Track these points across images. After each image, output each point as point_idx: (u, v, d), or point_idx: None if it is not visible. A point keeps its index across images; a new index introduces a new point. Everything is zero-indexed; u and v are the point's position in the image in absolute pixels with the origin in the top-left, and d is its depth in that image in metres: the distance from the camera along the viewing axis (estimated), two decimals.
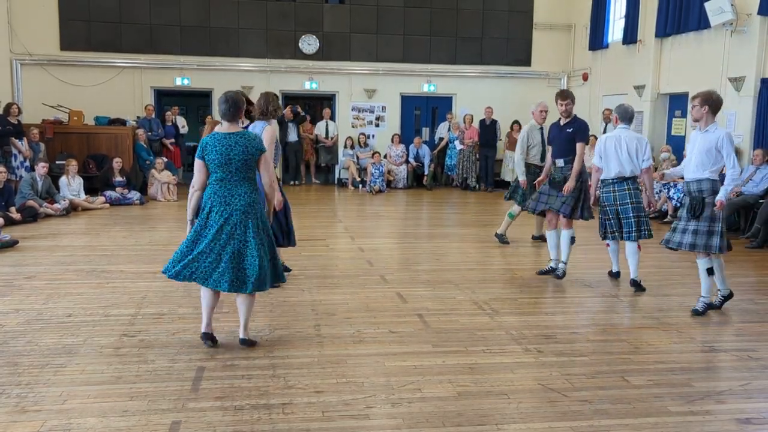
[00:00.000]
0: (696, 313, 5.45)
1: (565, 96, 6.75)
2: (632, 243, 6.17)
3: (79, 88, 14.03)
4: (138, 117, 13.88)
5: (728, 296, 5.62)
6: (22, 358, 4.25)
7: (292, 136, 15.00)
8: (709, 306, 5.52)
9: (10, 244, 7.68)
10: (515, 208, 8.24)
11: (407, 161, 15.16)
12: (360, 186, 14.59)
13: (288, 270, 6.56)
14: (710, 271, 5.47)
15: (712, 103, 5.34)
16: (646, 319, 5.35)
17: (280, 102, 15.11)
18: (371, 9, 15.25)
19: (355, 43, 15.33)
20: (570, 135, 6.65)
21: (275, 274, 4.46)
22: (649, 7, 12.47)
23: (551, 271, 6.73)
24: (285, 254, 7.37)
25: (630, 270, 6.22)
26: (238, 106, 4.38)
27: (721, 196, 5.29)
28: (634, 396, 3.83)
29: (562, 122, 6.77)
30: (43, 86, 13.86)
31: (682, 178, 5.95)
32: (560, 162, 6.73)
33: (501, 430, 3.39)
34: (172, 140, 14.19)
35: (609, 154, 6.19)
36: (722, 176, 5.49)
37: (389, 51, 15.45)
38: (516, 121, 14.90)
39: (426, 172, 15.26)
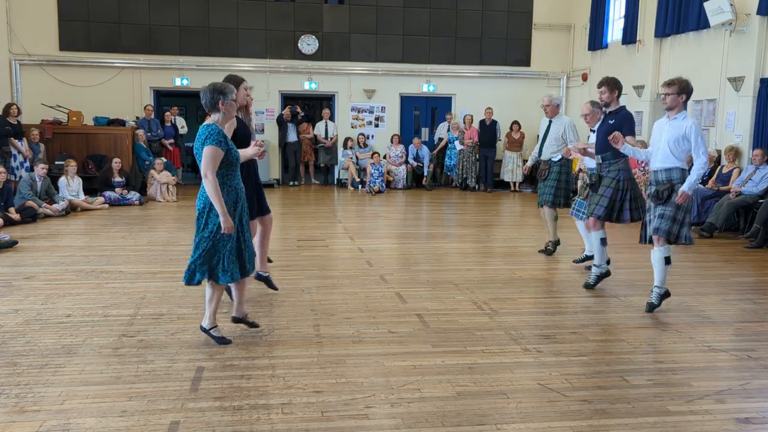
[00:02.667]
0: (651, 307, 5.43)
1: (600, 83, 6.14)
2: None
3: (78, 88, 14.04)
4: (137, 117, 13.89)
5: (665, 295, 5.51)
6: (21, 358, 4.24)
7: (292, 137, 15.02)
8: (665, 296, 5.48)
9: (10, 245, 7.68)
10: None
11: (407, 161, 15.17)
12: (359, 186, 14.59)
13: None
14: (668, 260, 5.38)
15: (689, 92, 5.29)
16: (645, 319, 5.34)
17: (280, 102, 15.20)
18: (370, 9, 15.26)
19: (355, 43, 15.33)
20: (611, 128, 5.87)
21: (198, 273, 4.42)
22: (648, 7, 12.48)
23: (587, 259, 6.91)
24: (281, 255, 7.36)
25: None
26: (209, 96, 4.33)
27: (685, 188, 5.18)
28: (633, 396, 3.82)
29: (608, 113, 6.14)
30: (43, 87, 13.86)
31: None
32: (598, 159, 6.15)
33: (500, 430, 3.38)
34: (172, 141, 14.19)
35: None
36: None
37: (388, 51, 15.45)
38: (516, 122, 14.93)
39: (426, 173, 15.26)
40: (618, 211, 6.03)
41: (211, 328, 4.58)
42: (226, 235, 4.36)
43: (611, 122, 5.99)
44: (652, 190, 5.40)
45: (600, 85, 6.11)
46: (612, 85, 6.04)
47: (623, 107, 6.12)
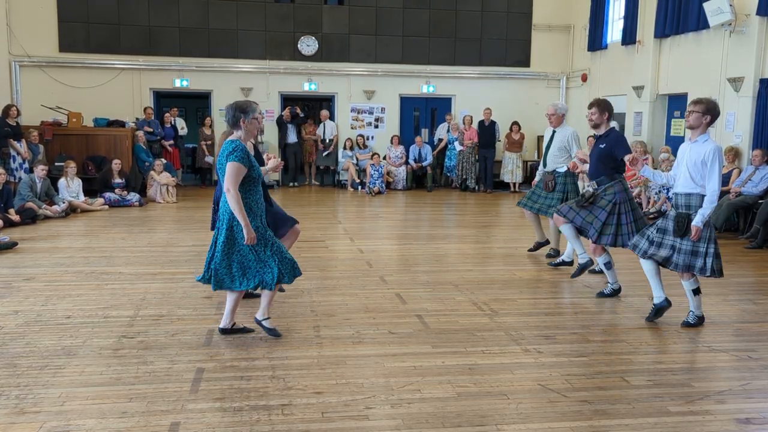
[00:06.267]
0: (686, 324, 5.20)
1: (590, 104, 6.04)
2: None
3: (78, 89, 14.03)
4: (137, 118, 13.89)
5: (702, 318, 5.26)
6: (21, 359, 4.24)
7: (291, 138, 15.02)
8: (702, 319, 5.25)
9: (9, 246, 7.68)
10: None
11: (406, 162, 15.16)
12: (359, 187, 14.58)
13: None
14: (696, 291, 5.15)
15: (715, 114, 5.03)
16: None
17: (279, 103, 15.21)
18: (370, 10, 15.26)
19: (354, 44, 15.33)
20: (602, 152, 5.90)
21: (232, 280, 4.54)
22: (648, 8, 12.48)
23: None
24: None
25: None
26: (231, 113, 4.51)
27: (697, 222, 4.90)
28: (633, 396, 3.83)
29: (597, 136, 6.06)
30: (42, 88, 13.85)
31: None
32: (593, 184, 6.04)
33: (501, 431, 3.38)
34: (171, 142, 14.18)
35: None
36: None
37: (388, 52, 15.45)
38: (515, 122, 14.93)
39: (428, 162, 15.18)
40: (615, 236, 5.89)
41: (264, 319, 4.72)
42: (251, 245, 4.46)
43: (602, 146, 5.93)
44: (672, 214, 5.16)
45: (590, 106, 6.03)
46: (602, 106, 5.95)
47: (612, 129, 6.03)
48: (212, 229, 5.75)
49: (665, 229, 5.15)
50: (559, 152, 7.20)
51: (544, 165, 7.44)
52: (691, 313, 5.26)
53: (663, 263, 5.15)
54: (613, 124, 6.26)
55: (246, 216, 4.37)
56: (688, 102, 5.17)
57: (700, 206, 4.96)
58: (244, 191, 4.41)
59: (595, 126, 6.01)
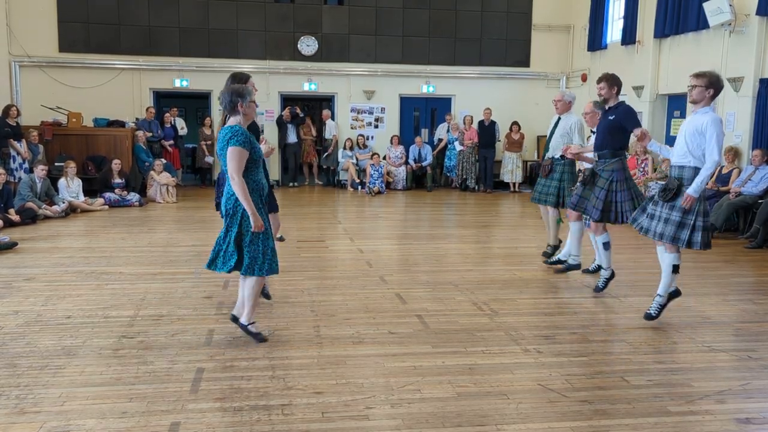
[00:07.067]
0: (649, 317, 5.13)
1: (599, 79, 6.04)
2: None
3: (78, 89, 14.03)
4: (137, 119, 13.89)
5: (676, 294, 5.18)
6: (21, 359, 4.24)
7: (291, 138, 15.02)
8: (663, 308, 5.15)
9: (9, 246, 7.67)
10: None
11: (406, 162, 15.17)
12: (359, 187, 14.59)
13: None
14: (676, 269, 5.06)
15: (719, 87, 4.89)
16: (645, 320, 5.33)
17: (279, 103, 15.20)
18: (370, 10, 15.26)
19: (354, 44, 15.34)
20: (611, 123, 5.85)
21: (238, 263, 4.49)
22: (647, 8, 12.48)
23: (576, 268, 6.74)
24: (281, 257, 7.37)
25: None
26: (228, 98, 4.40)
27: (690, 191, 4.78)
28: (633, 396, 3.83)
29: (606, 108, 6.04)
30: (42, 88, 13.85)
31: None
32: (595, 156, 6.04)
33: (501, 431, 3.38)
34: (171, 142, 14.18)
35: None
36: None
37: (388, 52, 15.45)
38: (515, 122, 14.93)
39: (428, 162, 15.19)
40: (616, 212, 5.90)
41: (249, 324, 4.64)
42: (261, 233, 4.42)
43: (611, 118, 5.87)
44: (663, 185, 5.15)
45: (599, 81, 6.03)
46: (611, 81, 5.95)
47: (622, 102, 6.01)
48: (218, 209, 5.72)
49: (658, 201, 5.10)
50: (561, 139, 7.15)
51: (546, 151, 7.42)
52: (656, 299, 5.15)
53: (652, 236, 5.08)
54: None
55: (252, 203, 4.31)
56: (691, 78, 4.97)
57: (691, 179, 4.86)
58: (245, 173, 4.33)
59: (605, 100, 6.00)
